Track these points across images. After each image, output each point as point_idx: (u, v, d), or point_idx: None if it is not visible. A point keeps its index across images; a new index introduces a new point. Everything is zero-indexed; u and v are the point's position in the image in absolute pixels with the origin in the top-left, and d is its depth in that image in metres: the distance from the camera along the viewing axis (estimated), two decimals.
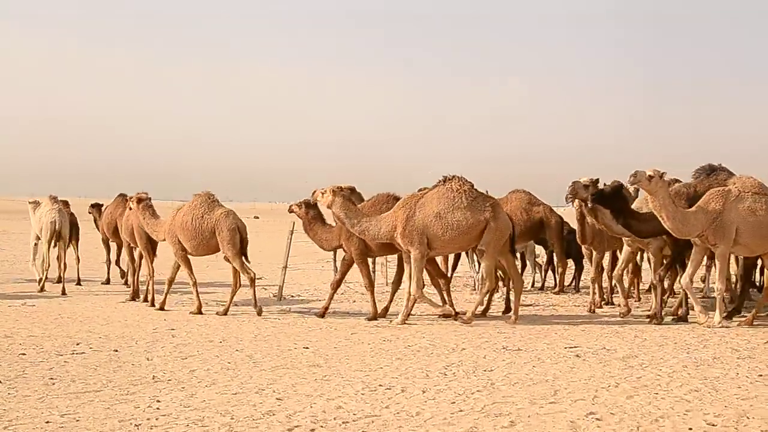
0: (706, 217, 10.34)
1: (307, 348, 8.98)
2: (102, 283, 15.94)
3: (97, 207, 16.99)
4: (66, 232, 14.82)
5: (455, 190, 10.87)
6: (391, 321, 10.97)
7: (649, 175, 10.06)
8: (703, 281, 14.15)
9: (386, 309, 11.67)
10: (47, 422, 5.88)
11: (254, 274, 11.85)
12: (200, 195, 12.23)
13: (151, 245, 13.11)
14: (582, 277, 15.39)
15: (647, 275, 13.55)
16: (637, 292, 13.78)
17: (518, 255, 15.60)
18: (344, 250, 11.74)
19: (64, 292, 14.05)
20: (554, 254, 15.05)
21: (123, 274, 15.90)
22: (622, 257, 12.12)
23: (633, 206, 11.26)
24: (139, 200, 12.70)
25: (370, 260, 12.09)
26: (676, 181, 11.71)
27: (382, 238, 11.03)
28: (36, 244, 15.43)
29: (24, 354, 8.46)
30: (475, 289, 13.84)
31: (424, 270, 11.10)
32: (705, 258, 11.74)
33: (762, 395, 6.81)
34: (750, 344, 9.29)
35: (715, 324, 10.44)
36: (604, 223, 10.81)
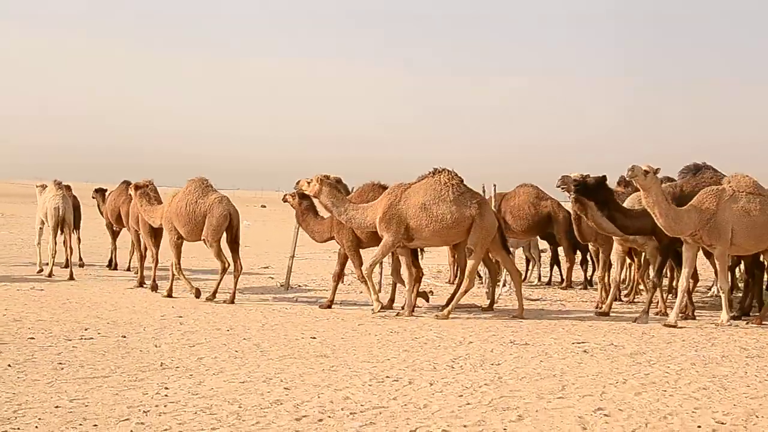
0: (699, 216, 10.24)
1: (315, 338, 8.99)
2: (111, 269, 15.99)
3: (101, 192, 17.02)
4: (70, 218, 14.83)
5: (443, 182, 10.80)
6: (397, 314, 10.97)
7: (645, 170, 10.03)
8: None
9: (392, 300, 11.67)
10: (56, 407, 5.89)
11: (228, 265, 11.85)
12: (194, 180, 12.21)
13: (155, 232, 13.11)
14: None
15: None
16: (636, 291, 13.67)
17: (519, 250, 15.63)
18: (336, 241, 11.73)
19: (71, 277, 14.08)
20: (561, 249, 15.03)
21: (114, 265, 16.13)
22: (614, 258, 12.07)
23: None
24: (137, 187, 12.71)
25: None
26: (668, 179, 11.66)
27: (369, 227, 10.98)
28: (41, 228, 15.47)
29: (33, 338, 8.49)
30: (482, 283, 13.82)
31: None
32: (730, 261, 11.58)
33: None
34: (759, 343, 9.27)
35: (723, 323, 10.45)
36: (593, 219, 10.77)
